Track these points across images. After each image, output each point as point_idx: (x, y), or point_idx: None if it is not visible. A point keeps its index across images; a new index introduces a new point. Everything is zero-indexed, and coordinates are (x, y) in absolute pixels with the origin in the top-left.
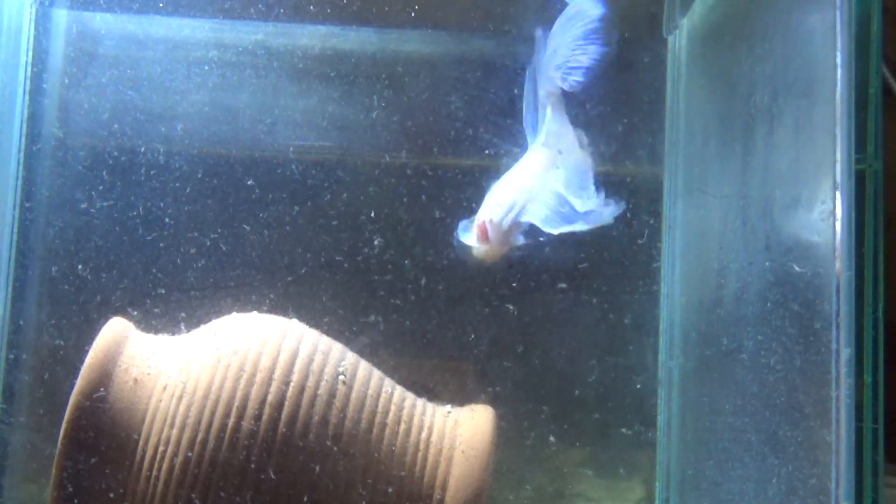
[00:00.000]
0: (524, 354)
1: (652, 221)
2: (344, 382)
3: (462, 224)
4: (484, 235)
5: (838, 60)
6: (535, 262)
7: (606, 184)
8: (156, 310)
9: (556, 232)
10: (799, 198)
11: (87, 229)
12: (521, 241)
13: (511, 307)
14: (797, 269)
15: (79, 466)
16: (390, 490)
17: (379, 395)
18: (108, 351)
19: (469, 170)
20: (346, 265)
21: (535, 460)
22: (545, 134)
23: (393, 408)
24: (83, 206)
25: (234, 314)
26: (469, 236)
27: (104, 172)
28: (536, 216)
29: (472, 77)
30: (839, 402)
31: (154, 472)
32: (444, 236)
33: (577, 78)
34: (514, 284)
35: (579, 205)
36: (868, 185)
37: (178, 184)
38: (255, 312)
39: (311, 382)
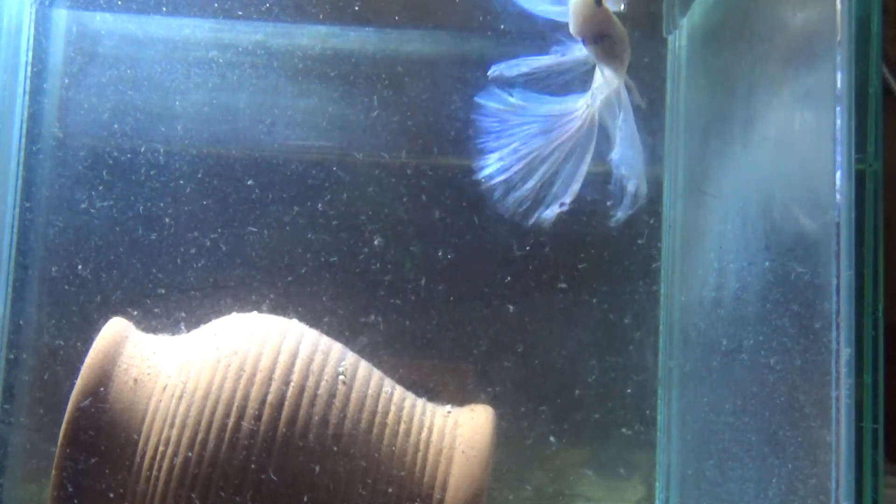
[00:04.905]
0: (524, 354)
1: (652, 221)
2: (344, 382)
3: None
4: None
5: (838, 60)
6: (535, 262)
7: (606, 184)
8: (156, 310)
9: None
10: (799, 198)
11: (87, 229)
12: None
13: (511, 307)
14: (797, 269)
15: (79, 466)
16: (390, 490)
17: (379, 395)
18: (108, 351)
19: (469, 170)
20: (346, 265)
21: (535, 460)
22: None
23: (393, 408)
24: (83, 206)
25: (234, 314)
26: None
27: (104, 172)
28: None
29: (472, 77)
30: (839, 402)
31: (154, 472)
32: (445, 236)
33: None
34: (514, 284)
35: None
36: (868, 185)
37: (178, 184)
38: (255, 312)
39: (311, 382)
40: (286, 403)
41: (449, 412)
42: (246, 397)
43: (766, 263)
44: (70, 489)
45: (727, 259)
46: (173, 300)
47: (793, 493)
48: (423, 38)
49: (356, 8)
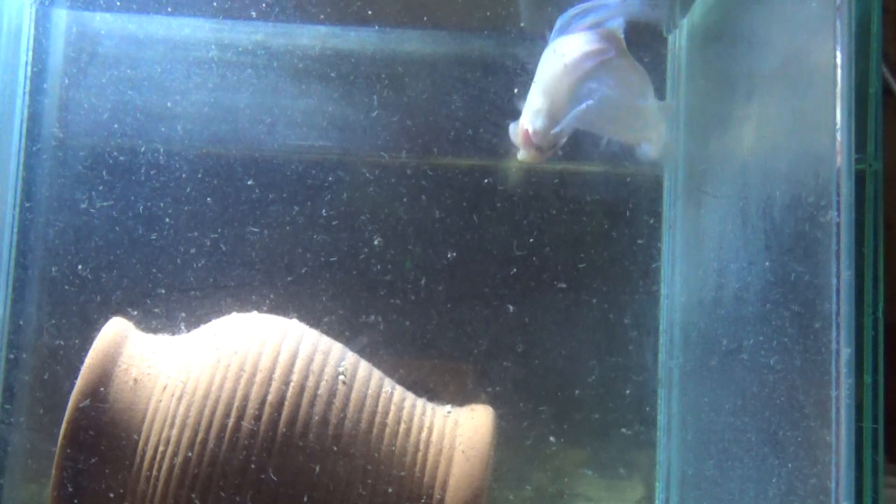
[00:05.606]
0: (524, 354)
1: (652, 221)
2: (344, 382)
3: (511, 126)
4: (528, 142)
5: (838, 60)
6: (535, 262)
7: (607, 183)
8: (156, 310)
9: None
10: (799, 198)
11: (87, 229)
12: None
13: (511, 307)
14: (797, 269)
15: (79, 466)
16: (390, 490)
17: (379, 395)
18: (108, 351)
19: (469, 170)
20: (346, 265)
21: (535, 460)
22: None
23: (393, 408)
24: (83, 206)
25: (234, 314)
26: (517, 139)
27: (104, 172)
28: (589, 121)
29: (472, 77)
30: (839, 402)
31: (154, 472)
32: (445, 236)
33: None
34: (514, 284)
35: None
36: (868, 185)
37: (178, 184)
38: (255, 312)
39: (311, 382)
40: (286, 403)
41: (449, 412)
42: (246, 397)
43: (766, 263)
44: (70, 489)
45: (727, 259)
46: (173, 300)
47: (793, 493)
48: (423, 38)
49: (363, 9)
